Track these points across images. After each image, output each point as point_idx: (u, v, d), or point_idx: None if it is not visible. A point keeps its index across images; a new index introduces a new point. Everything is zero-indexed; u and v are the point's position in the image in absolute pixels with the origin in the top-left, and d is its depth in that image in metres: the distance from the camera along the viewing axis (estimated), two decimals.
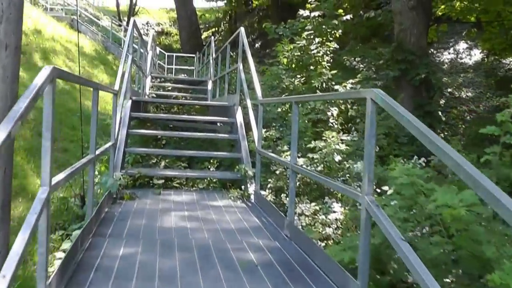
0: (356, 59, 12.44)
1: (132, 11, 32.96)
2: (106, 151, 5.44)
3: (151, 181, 6.76)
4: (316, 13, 9.96)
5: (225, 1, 28.32)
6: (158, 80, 15.13)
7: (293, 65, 10.54)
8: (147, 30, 31.44)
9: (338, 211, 5.66)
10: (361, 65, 11.65)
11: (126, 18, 32.56)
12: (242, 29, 7.94)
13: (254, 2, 28.78)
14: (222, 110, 8.68)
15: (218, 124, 9.67)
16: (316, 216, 5.72)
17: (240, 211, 5.54)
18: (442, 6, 15.43)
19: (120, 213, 5.16)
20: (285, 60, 10.55)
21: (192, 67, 21.04)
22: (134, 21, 7.89)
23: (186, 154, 7.47)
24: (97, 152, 4.49)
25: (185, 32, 24.98)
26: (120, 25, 25.76)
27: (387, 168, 7.07)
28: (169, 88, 14.40)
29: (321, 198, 6.15)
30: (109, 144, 5.49)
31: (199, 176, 7.00)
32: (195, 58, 19.92)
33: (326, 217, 5.60)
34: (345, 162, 6.17)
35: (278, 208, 5.69)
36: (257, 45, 27.38)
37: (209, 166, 7.90)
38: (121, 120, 7.03)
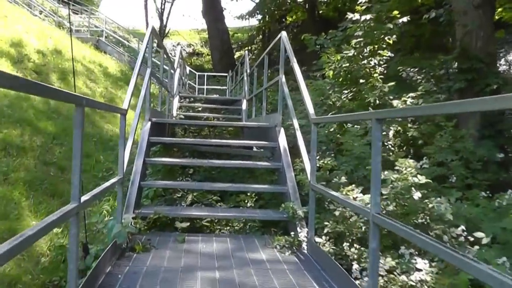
0: (410, 69, 10.85)
1: (162, 33, 32.22)
2: (106, 191, 4.02)
3: (174, 221, 5.38)
4: (368, 16, 8.47)
5: (258, 18, 27.17)
6: (187, 100, 13.86)
7: (341, 79, 9.07)
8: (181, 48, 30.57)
9: (423, 269, 4.11)
10: (419, 77, 10.04)
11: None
12: (283, 34, 6.53)
13: (288, 18, 27.60)
14: (261, 132, 7.24)
15: (254, 148, 8.27)
16: (392, 275, 4.18)
17: (292, 270, 4.04)
18: (500, 9, 13.76)
19: (125, 275, 3.73)
20: (330, 73, 9.09)
21: (225, 87, 19.82)
22: (153, 27, 6.56)
23: (217, 188, 6.02)
24: (86, 197, 3.07)
25: (217, 52, 23.97)
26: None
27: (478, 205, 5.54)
28: (199, 108, 13.08)
29: (394, 247, 4.62)
30: (114, 180, 4.08)
31: (234, 216, 5.53)
32: (228, 77, 18.70)
33: (407, 278, 4.06)
34: (427, 201, 4.61)
35: (339, 261, 4.24)
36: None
37: (246, 200, 6.47)
38: (137, 146, 5.71)
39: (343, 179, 5.30)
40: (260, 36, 28.87)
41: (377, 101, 8.15)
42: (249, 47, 29.36)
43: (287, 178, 5.55)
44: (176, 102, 11.50)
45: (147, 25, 32.41)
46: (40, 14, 21.56)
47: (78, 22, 23.75)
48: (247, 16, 26.61)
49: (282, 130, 6.33)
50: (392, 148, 7.08)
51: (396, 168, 4.82)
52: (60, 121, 9.49)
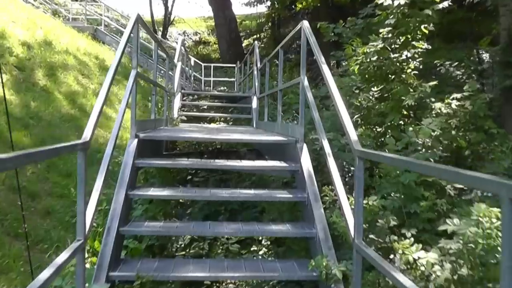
0: (445, 63, 9.39)
1: (167, 21, 30.82)
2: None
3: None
4: (402, 1, 7.02)
5: (267, 5, 25.74)
6: (191, 97, 12.47)
7: (367, 75, 7.67)
8: (184, 39, 29.24)
9: None
10: (458, 72, 8.59)
11: (161, 29, 30.42)
12: (305, 24, 5.11)
13: (298, 5, 26.09)
14: (277, 146, 5.86)
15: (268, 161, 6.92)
16: None
17: None
18: None
19: None
20: (356, 68, 7.67)
21: (233, 79, 18.44)
22: (138, 15, 5.15)
23: (222, 233, 4.66)
24: None
25: (224, 40, 22.68)
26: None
27: None
28: (204, 106, 11.71)
29: None
30: (64, 256, 2.68)
31: (245, 277, 4.15)
32: (236, 68, 17.30)
33: None
34: None
35: None
36: None
37: (261, 239, 5.16)
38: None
39: (391, 219, 3.93)
40: (269, 24, 27.42)
41: (412, 102, 6.78)
42: (258, 35, 27.97)
43: (314, 215, 4.18)
44: (177, 101, 10.14)
45: (151, 13, 30.98)
46: (35, 1, 20.14)
47: (76, 9, 22.24)
48: (255, 3, 25.25)
49: (305, 147, 4.94)
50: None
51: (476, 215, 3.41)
52: (38, 129, 8.14)
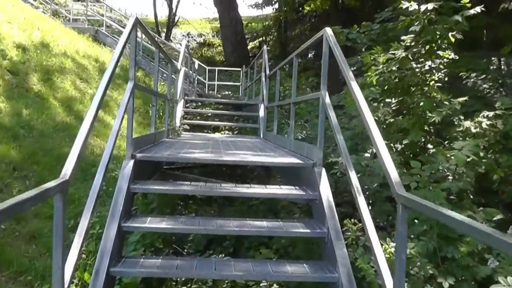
0: (470, 74, 8.76)
1: (171, 22, 30.30)
2: None
3: None
4: (430, 5, 6.40)
5: (274, 7, 25.24)
6: (194, 104, 11.93)
7: (386, 87, 7.08)
8: (188, 42, 28.71)
9: None
10: (485, 85, 7.93)
11: (165, 30, 29.89)
12: (328, 31, 4.48)
13: (305, 7, 25.53)
14: (291, 169, 5.23)
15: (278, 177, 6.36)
16: None
17: None
18: None
19: None
20: (374, 79, 7.08)
21: (238, 83, 17.85)
22: (137, 19, 4.52)
23: (231, 277, 4.05)
24: None
25: (229, 43, 22.18)
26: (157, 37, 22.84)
27: None
28: (209, 114, 11.14)
29: None
30: None
31: None
32: (241, 72, 16.70)
33: None
34: None
35: None
36: (310, 55, 24.17)
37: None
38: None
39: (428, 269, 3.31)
40: (276, 26, 26.84)
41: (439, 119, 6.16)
42: (264, 38, 27.42)
43: (336, 256, 3.56)
44: (180, 109, 9.55)
45: (155, 14, 30.41)
46: (34, 1, 19.56)
47: (77, 10, 21.67)
48: (263, 4, 24.81)
49: (323, 172, 4.32)
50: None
51: None
52: (29, 141, 7.50)
